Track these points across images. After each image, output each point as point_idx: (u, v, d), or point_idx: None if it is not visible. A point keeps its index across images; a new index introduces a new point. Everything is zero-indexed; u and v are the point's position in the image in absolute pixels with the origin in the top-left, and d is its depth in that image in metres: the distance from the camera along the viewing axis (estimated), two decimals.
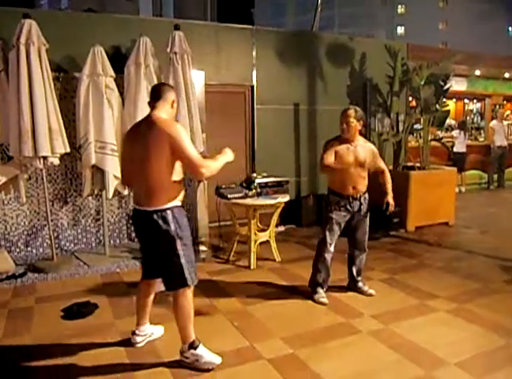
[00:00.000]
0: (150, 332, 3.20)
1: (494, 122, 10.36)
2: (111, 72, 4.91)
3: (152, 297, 3.14)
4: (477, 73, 10.32)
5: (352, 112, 3.77)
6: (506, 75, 10.88)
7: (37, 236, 5.23)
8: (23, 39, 4.31)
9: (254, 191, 4.89)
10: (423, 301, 3.90)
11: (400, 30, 47.04)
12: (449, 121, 10.50)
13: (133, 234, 5.43)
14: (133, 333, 3.12)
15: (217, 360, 2.86)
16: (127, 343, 3.12)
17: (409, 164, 7.00)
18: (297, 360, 2.96)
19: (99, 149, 4.77)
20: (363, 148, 3.83)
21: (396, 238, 6.06)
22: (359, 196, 3.86)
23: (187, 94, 5.03)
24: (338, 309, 3.76)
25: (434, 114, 6.99)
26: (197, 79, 5.43)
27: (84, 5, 20.09)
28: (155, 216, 2.74)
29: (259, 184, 5.01)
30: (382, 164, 4.03)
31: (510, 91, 11.55)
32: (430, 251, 5.46)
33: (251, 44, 6.55)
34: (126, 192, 5.16)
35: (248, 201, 4.77)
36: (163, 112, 2.83)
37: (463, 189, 9.72)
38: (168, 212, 2.74)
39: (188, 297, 2.82)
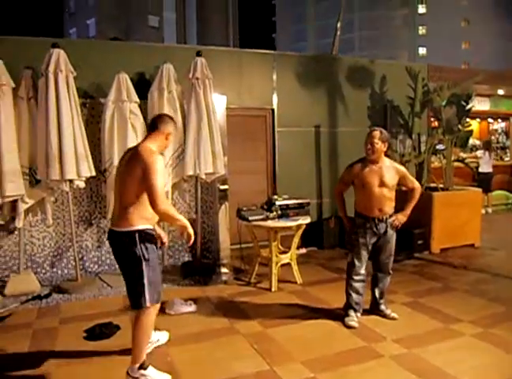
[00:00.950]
0: (156, 338, 3.38)
1: None
2: (136, 98, 5.07)
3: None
4: (500, 92, 10.20)
5: (377, 133, 3.76)
6: None
7: (62, 257, 5.34)
8: (51, 68, 4.50)
9: (274, 213, 4.90)
10: (447, 325, 3.80)
11: (422, 51, 46.97)
12: (473, 141, 10.36)
13: None
14: None
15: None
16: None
17: (432, 185, 6.91)
18: None
19: None
20: (388, 169, 3.81)
21: (420, 261, 5.94)
22: (385, 218, 3.82)
23: (209, 118, 5.14)
24: (360, 332, 3.69)
25: (457, 135, 6.94)
26: (219, 103, 5.53)
27: (111, 34, 20.83)
28: (123, 237, 2.84)
29: (280, 206, 5.00)
30: (411, 183, 3.93)
31: None
32: (455, 274, 5.34)
33: (272, 68, 6.67)
34: None
35: (269, 223, 4.78)
36: (154, 143, 2.98)
37: (489, 210, 9.51)
38: (136, 234, 2.82)
39: (149, 316, 2.91)
